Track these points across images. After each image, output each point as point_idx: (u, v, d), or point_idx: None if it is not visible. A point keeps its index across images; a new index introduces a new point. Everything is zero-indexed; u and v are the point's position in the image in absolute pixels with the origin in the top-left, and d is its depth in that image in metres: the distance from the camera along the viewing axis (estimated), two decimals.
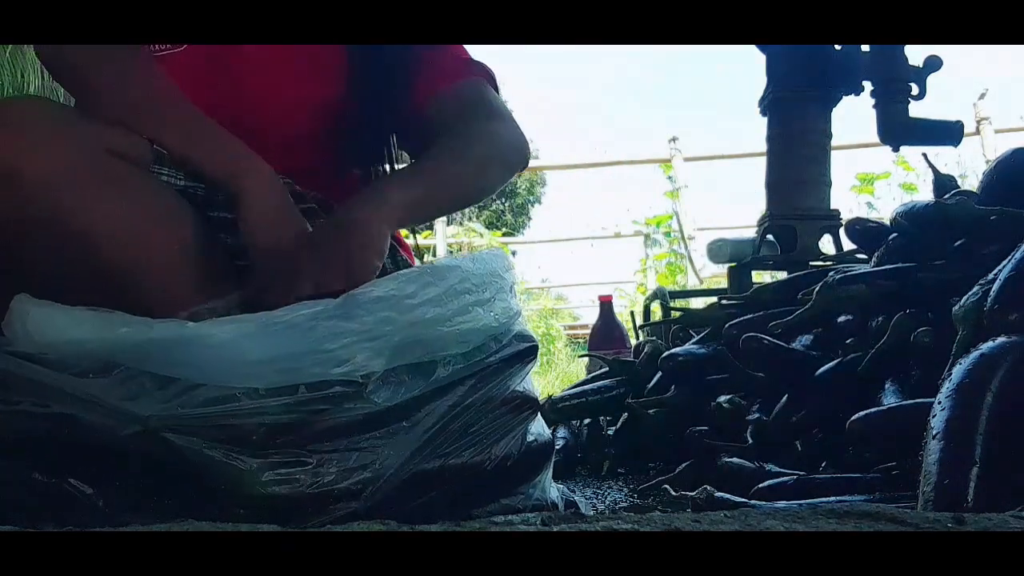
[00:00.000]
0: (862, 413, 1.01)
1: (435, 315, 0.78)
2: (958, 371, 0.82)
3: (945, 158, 4.88)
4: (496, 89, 1.09)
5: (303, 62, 1.03)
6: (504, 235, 8.95)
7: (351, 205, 0.90)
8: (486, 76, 1.08)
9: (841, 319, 1.34)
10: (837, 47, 2.33)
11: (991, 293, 0.91)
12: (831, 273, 1.30)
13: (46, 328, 0.71)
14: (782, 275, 2.19)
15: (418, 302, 0.77)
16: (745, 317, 1.53)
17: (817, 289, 1.28)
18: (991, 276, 0.95)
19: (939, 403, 0.80)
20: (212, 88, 0.99)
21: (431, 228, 7.03)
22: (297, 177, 1.01)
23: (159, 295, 0.83)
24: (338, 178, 1.12)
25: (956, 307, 0.96)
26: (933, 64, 2.26)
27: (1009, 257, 0.96)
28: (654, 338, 2.22)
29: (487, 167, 1.02)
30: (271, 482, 0.70)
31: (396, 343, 0.75)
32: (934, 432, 0.77)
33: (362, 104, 1.05)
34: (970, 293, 0.96)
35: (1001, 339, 0.85)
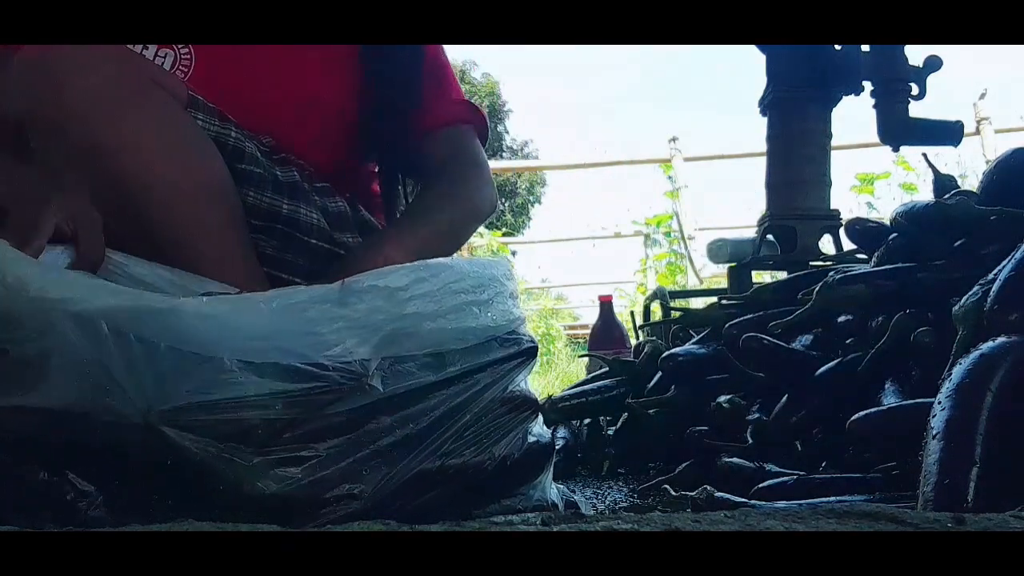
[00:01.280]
0: (862, 413, 1.01)
1: (429, 310, 0.78)
2: (958, 371, 0.82)
3: (945, 158, 4.89)
4: (486, 133, 1.20)
5: (315, 66, 1.08)
6: (504, 235, 8.94)
7: (358, 255, 0.97)
8: (479, 122, 1.19)
9: (841, 319, 1.34)
10: (837, 47, 2.33)
11: (991, 293, 0.91)
12: (831, 273, 1.30)
13: (31, 284, 0.69)
14: (782, 275, 2.19)
15: (410, 295, 0.77)
16: (745, 317, 1.53)
17: (817, 289, 1.28)
18: (991, 276, 0.95)
19: (939, 403, 0.80)
20: (225, 96, 1.00)
21: None
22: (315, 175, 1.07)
23: (179, 224, 0.86)
24: (352, 180, 1.18)
25: (956, 307, 0.96)
26: (933, 64, 2.26)
27: (1009, 257, 0.95)
28: (654, 338, 2.22)
29: (468, 224, 1.15)
30: (271, 480, 0.70)
31: (387, 332, 0.76)
32: (934, 432, 0.77)
33: (368, 116, 1.12)
34: (970, 293, 0.96)
35: (1001, 339, 0.85)
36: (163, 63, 1.00)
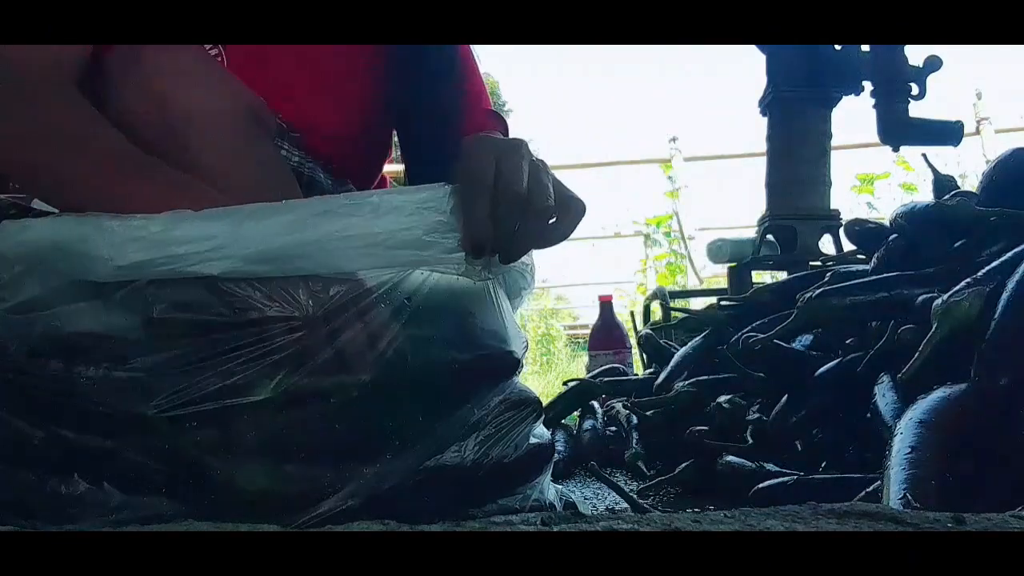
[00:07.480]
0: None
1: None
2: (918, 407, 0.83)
3: (945, 158, 4.88)
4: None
5: (344, 75, 1.06)
6: None
7: None
8: (503, 129, 1.16)
9: None
10: (837, 47, 2.33)
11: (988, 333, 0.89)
12: (810, 289, 1.27)
13: (135, 246, 0.67)
14: (782, 275, 2.20)
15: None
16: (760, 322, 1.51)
17: (799, 304, 1.25)
18: (980, 274, 0.95)
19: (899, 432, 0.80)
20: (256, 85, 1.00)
21: None
22: (334, 170, 1.05)
23: None
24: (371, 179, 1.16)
25: (938, 301, 0.95)
26: (933, 64, 2.26)
27: (1008, 265, 0.94)
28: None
29: None
30: (270, 479, 0.70)
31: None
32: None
33: (397, 120, 1.11)
34: (955, 290, 0.95)
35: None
36: None
